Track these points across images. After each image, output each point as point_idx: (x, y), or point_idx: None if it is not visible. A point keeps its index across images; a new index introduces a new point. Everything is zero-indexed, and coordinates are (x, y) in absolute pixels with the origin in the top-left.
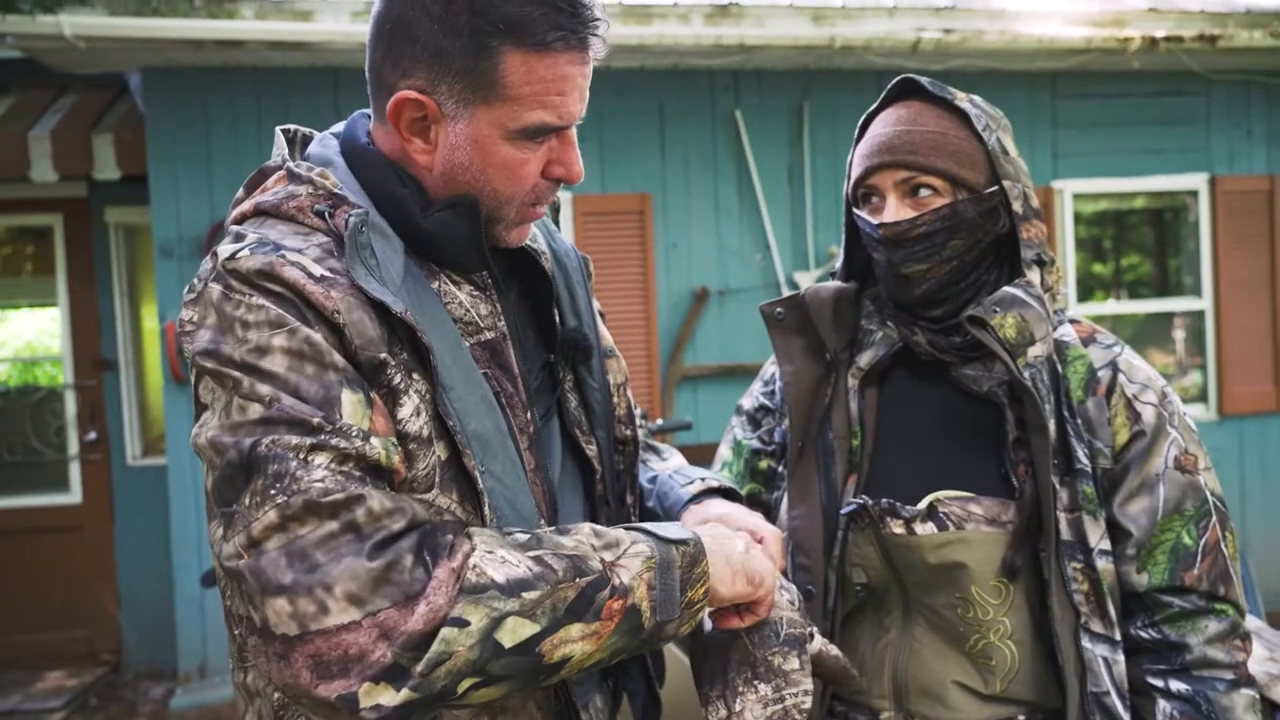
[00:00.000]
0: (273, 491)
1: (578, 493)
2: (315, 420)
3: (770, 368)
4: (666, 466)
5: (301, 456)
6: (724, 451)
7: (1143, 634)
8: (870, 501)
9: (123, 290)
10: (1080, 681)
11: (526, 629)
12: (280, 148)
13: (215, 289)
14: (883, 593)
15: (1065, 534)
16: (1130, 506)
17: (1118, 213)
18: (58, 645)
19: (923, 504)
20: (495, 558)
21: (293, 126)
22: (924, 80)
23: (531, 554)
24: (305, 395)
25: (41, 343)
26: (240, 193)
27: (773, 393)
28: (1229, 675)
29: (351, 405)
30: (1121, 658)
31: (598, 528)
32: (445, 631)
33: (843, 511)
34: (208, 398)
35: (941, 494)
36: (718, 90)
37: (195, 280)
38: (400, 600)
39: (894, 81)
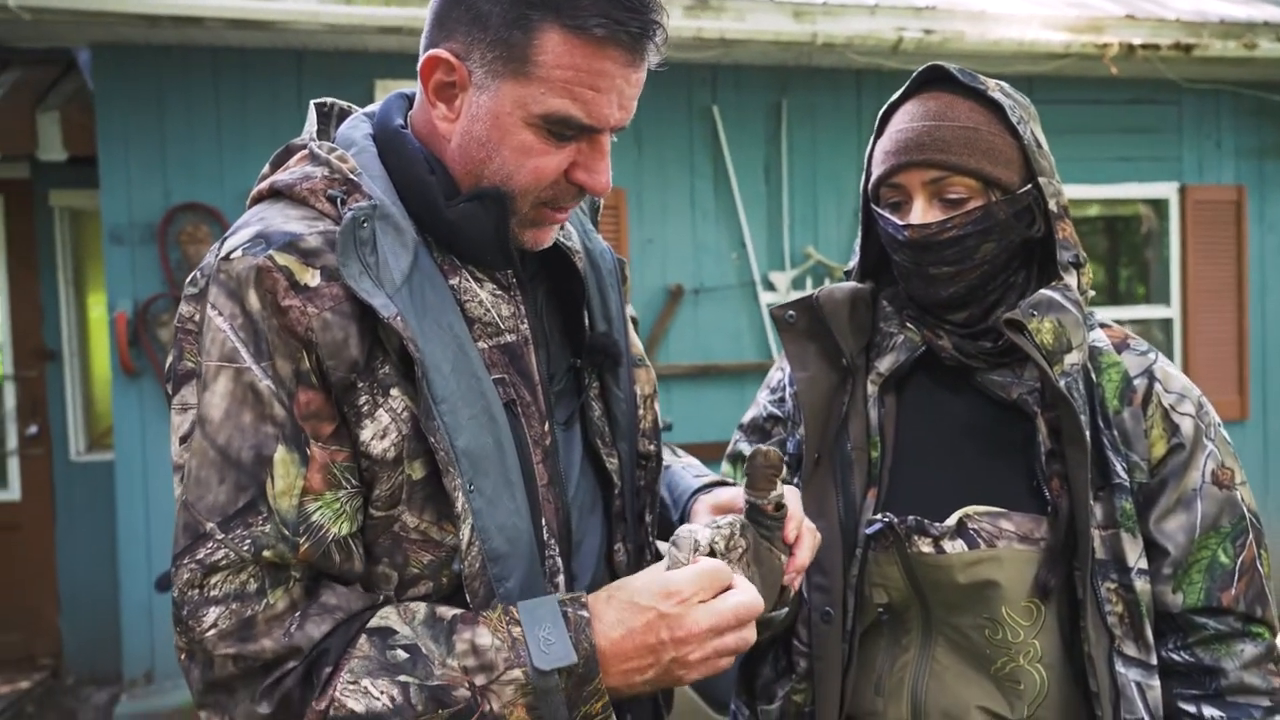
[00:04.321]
0: (178, 629)
1: (596, 508)
2: (207, 527)
3: (777, 374)
4: (679, 460)
5: (197, 585)
6: (725, 468)
7: (1174, 656)
8: (896, 520)
9: (68, 277)
10: (1114, 708)
11: None
12: (310, 124)
13: (211, 291)
14: (901, 612)
15: (1099, 552)
16: (1167, 523)
17: (1077, 220)
18: None
19: (952, 520)
20: (359, 689)
21: (330, 100)
22: (952, 68)
23: (400, 680)
24: (230, 453)
25: None
26: (265, 168)
27: (782, 400)
28: (1265, 702)
29: (283, 465)
30: (1156, 683)
31: (481, 641)
32: None
33: (867, 532)
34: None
35: (971, 509)
36: (695, 85)
37: (198, 273)
38: (283, 716)
39: (920, 70)
